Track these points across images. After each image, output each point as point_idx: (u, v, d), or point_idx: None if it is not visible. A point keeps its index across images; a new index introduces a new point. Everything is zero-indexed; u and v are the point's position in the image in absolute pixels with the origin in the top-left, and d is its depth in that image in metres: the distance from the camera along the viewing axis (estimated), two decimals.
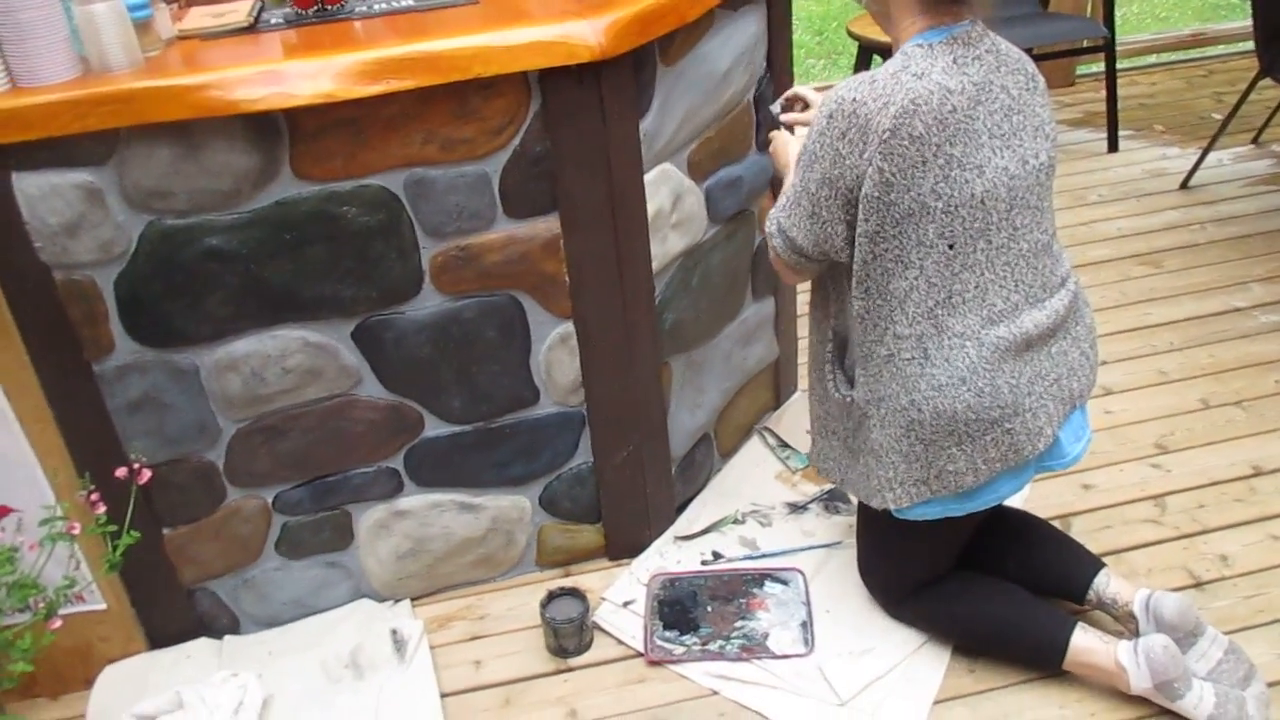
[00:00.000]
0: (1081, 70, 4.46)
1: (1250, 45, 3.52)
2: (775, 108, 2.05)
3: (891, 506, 1.74)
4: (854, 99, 1.54)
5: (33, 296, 1.67)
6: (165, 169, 1.62)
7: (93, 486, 1.70)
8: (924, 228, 1.56)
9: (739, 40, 2.05)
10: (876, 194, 1.55)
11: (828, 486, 2.33)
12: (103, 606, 1.94)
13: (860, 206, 1.58)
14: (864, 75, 1.57)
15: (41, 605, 1.63)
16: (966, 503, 1.71)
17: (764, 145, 2.12)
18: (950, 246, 1.58)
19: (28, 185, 1.59)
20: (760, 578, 2.10)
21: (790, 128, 1.95)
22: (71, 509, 1.70)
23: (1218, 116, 3.92)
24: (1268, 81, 3.30)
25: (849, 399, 1.76)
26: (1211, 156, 3.55)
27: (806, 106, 1.99)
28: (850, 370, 1.77)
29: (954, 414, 1.62)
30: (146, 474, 1.75)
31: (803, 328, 2.71)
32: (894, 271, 1.60)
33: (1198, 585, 2.02)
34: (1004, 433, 1.63)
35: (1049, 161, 1.66)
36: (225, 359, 1.80)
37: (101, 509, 1.68)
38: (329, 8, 1.79)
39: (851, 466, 1.83)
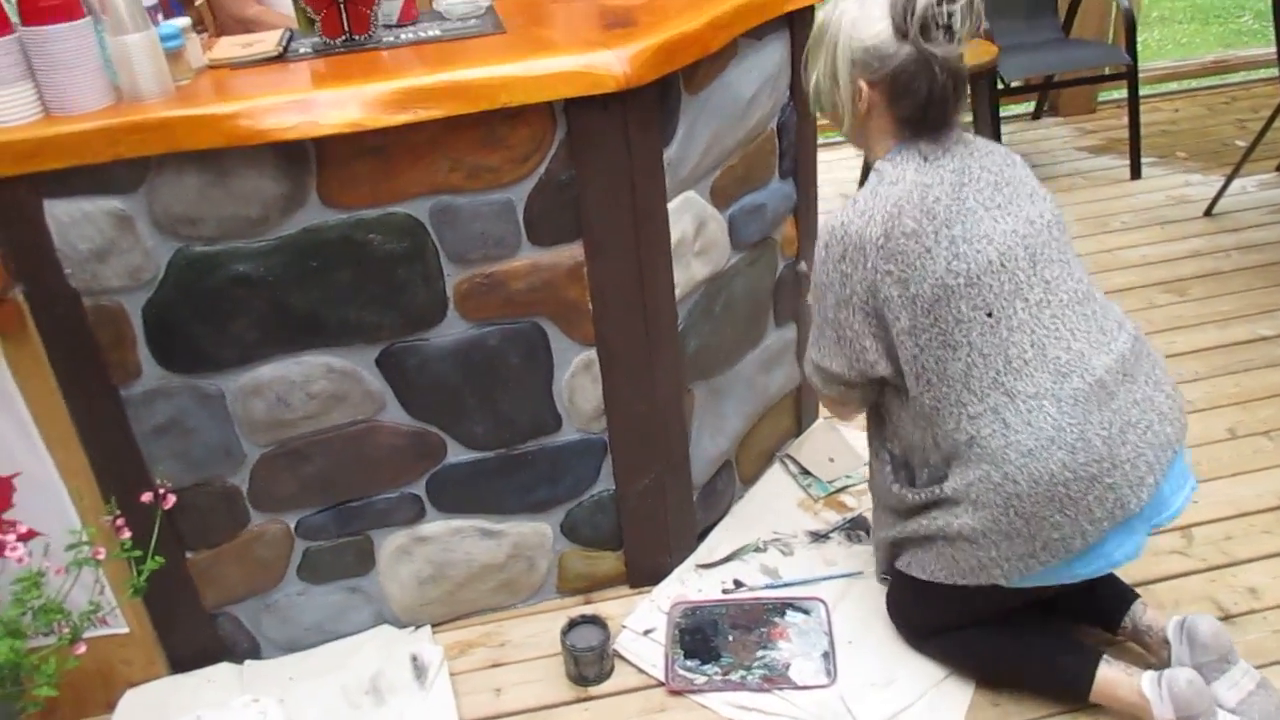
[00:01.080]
0: (1103, 97, 4.46)
1: (1273, 72, 3.52)
2: (802, 266, 2.21)
3: (1001, 582, 1.70)
4: (841, 223, 1.64)
5: (62, 321, 1.68)
6: (195, 196, 1.64)
7: (118, 511, 1.70)
8: (955, 306, 1.59)
9: (763, 68, 2.06)
10: (896, 293, 1.60)
11: (850, 514, 2.32)
12: (125, 630, 1.95)
13: (886, 311, 1.62)
14: (847, 202, 1.67)
15: (66, 630, 1.64)
16: (1077, 567, 1.66)
17: (798, 272, 2.29)
18: (989, 314, 1.59)
19: (59, 212, 1.61)
20: (782, 607, 2.08)
21: None
22: (97, 533, 1.71)
23: (1241, 143, 3.91)
24: None
25: (937, 492, 1.72)
26: (1235, 183, 3.53)
27: None
28: (932, 473, 1.75)
29: (1051, 476, 1.59)
30: (171, 499, 1.76)
31: None
32: (945, 356, 1.61)
33: (1226, 618, 1.99)
34: (1106, 489, 1.59)
35: (1055, 218, 1.68)
36: (250, 384, 1.81)
37: (126, 533, 1.69)
38: (357, 37, 1.81)
39: (923, 552, 1.80)
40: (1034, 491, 1.60)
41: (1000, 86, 3.71)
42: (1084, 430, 1.59)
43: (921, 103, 1.63)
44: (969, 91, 2.78)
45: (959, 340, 1.60)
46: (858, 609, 2.07)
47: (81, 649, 1.65)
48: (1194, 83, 4.70)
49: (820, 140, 2.94)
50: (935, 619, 1.91)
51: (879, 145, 1.71)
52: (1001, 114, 3.93)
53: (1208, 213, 3.53)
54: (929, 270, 1.59)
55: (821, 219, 1.70)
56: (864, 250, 1.61)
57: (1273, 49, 3.39)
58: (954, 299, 1.59)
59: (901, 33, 1.61)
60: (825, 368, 1.76)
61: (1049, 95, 4.38)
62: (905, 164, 1.65)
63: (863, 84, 1.66)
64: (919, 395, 1.67)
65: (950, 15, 1.59)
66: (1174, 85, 4.68)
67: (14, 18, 1.54)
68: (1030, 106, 4.47)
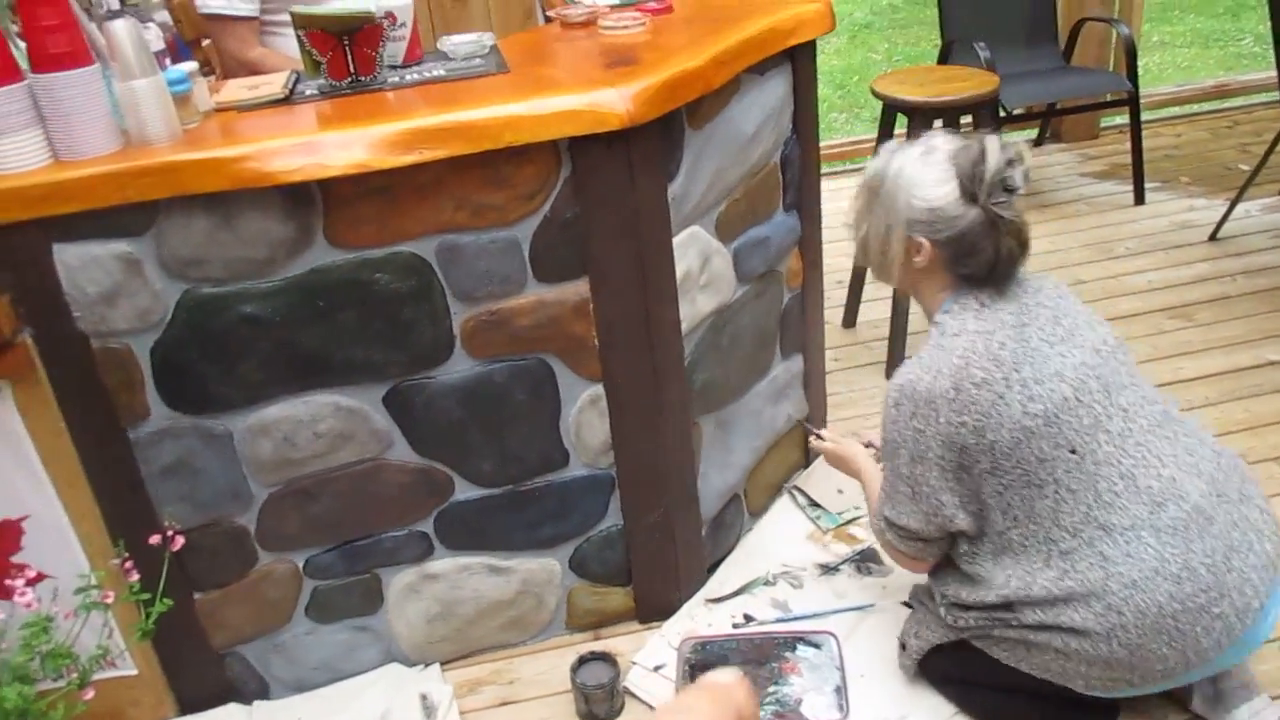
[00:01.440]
0: (1105, 122, 4.48)
1: (1274, 95, 3.53)
2: (811, 429, 2.27)
3: (1079, 689, 1.64)
4: (910, 381, 1.62)
5: (70, 364, 1.69)
6: (202, 238, 1.64)
7: (126, 554, 1.70)
8: (1037, 446, 1.56)
9: (765, 103, 2.07)
10: (973, 441, 1.58)
11: (859, 546, 2.31)
12: (134, 671, 1.94)
13: (964, 459, 1.60)
14: (913, 359, 1.66)
15: (74, 674, 1.63)
16: (1174, 680, 1.62)
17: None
18: (1072, 451, 1.57)
19: (68, 256, 1.62)
20: (792, 641, 2.07)
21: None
22: (105, 576, 1.71)
23: (1244, 167, 3.91)
24: None
25: (1014, 620, 1.65)
26: (1240, 208, 3.53)
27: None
28: (1006, 605, 1.66)
29: (1159, 608, 1.53)
30: (179, 541, 1.75)
31: (832, 384, 2.71)
32: (1031, 495, 1.59)
33: None
34: (1214, 618, 1.54)
35: (1117, 342, 1.67)
36: (258, 424, 1.81)
37: (134, 576, 1.69)
38: (362, 78, 1.82)
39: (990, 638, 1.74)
40: (1140, 623, 1.54)
41: (1002, 114, 3.72)
42: (1188, 559, 1.53)
43: (987, 264, 1.61)
44: (971, 120, 2.81)
45: (1044, 479, 1.57)
46: (869, 642, 2.06)
47: (90, 694, 1.64)
48: (1196, 107, 4.72)
49: (823, 170, 2.96)
50: (965, 675, 1.84)
51: (933, 297, 1.71)
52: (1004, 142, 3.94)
53: (1212, 237, 3.53)
54: (1005, 416, 1.56)
55: (891, 382, 1.68)
56: (934, 405, 1.59)
57: (1273, 73, 3.40)
58: (1035, 440, 1.56)
59: (970, 196, 1.59)
60: (902, 524, 1.71)
61: (1051, 122, 4.40)
62: (964, 314, 1.63)
63: (924, 240, 1.64)
64: (1006, 530, 1.63)
65: (1013, 177, 1.58)
66: (1176, 110, 4.69)
67: (24, 65, 1.56)
68: (1033, 133, 4.49)
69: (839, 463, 2.05)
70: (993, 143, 1.60)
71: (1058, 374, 1.58)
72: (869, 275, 3.11)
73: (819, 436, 2.13)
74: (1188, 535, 1.54)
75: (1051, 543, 1.59)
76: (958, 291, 1.66)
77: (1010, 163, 1.59)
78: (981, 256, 1.61)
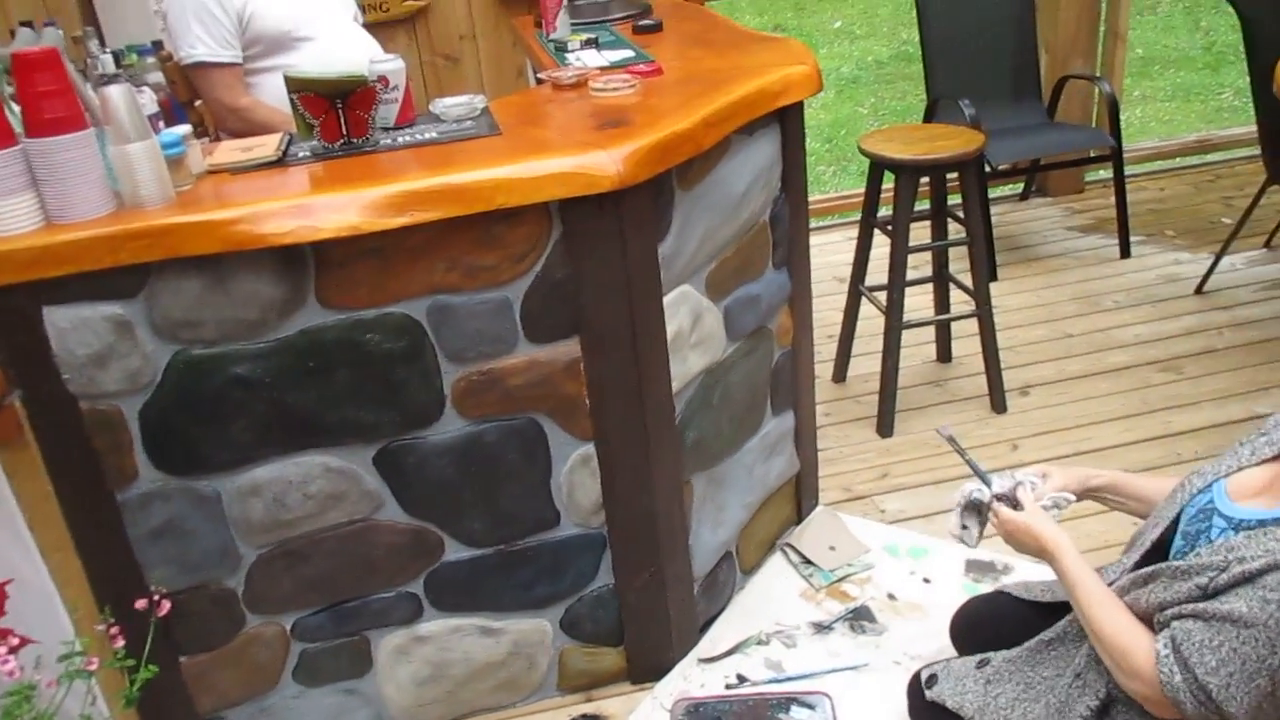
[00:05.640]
0: (1090, 177, 4.53)
1: (1255, 150, 3.58)
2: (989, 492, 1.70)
3: None
4: None
5: (58, 427, 1.68)
6: (194, 300, 1.64)
7: (112, 620, 1.68)
8: None
9: (755, 162, 2.09)
10: None
11: (853, 604, 2.29)
12: None
13: None
14: None
15: None
16: None
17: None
18: None
19: (58, 318, 1.62)
20: (786, 702, 2.05)
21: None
22: (91, 642, 1.68)
23: (1228, 221, 3.96)
24: (1276, 186, 3.33)
25: None
26: (1225, 261, 3.57)
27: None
28: None
29: None
30: (166, 605, 1.73)
31: (823, 439, 2.70)
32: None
33: None
34: None
35: None
36: (247, 485, 1.80)
37: (120, 642, 1.66)
38: (355, 141, 1.84)
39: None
40: None
41: (988, 170, 3.76)
42: None
43: None
44: (958, 177, 2.83)
45: None
46: (864, 702, 2.03)
47: None
48: (1178, 161, 4.78)
49: (811, 225, 2.98)
50: None
51: None
52: (991, 196, 3.98)
53: (1199, 290, 3.56)
54: None
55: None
56: None
57: (1254, 127, 3.45)
58: None
59: None
60: (1219, 701, 1.37)
61: (1037, 176, 4.45)
62: None
63: None
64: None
65: None
66: (1159, 164, 4.75)
67: (18, 128, 1.57)
68: (1019, 188, 4.54)
69: (1024, 538, 1.63)
70: None
71: None
72: (858, 329, 3.15)
73: (1003, 499, 1.69)
74: None
75: None
76: None
77: None
78: None
